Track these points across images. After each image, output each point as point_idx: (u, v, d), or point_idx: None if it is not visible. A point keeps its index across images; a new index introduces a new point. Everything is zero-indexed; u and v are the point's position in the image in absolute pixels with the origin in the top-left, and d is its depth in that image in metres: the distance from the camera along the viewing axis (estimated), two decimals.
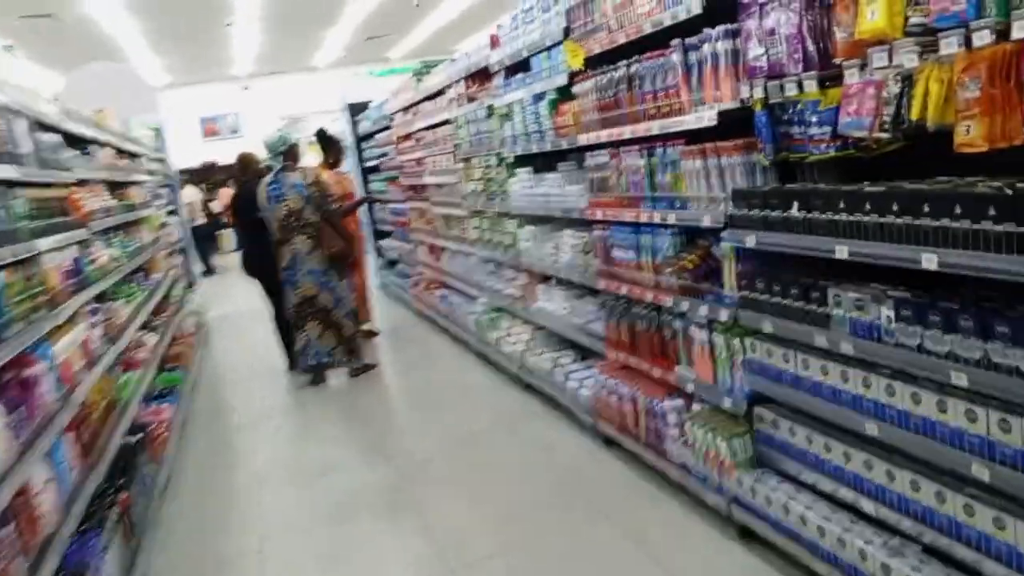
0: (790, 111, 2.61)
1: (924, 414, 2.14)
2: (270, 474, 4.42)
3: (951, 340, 2.01)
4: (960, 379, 1.99)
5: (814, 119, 2.50)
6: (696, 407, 3.31)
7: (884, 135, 2.14)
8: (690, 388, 3.29)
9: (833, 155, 2.48)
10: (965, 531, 2.09)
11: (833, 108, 2.39)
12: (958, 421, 2.04)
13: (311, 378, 6.01)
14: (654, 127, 3.22)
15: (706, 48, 2.90)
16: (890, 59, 2.08)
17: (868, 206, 2.17)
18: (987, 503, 2.02)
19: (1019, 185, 1.79)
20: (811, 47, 2.42)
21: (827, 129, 2.45)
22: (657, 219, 3.34)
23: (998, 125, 1.85)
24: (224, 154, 12.72)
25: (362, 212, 8.90)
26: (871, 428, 2.33)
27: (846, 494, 2.52)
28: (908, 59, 2.02)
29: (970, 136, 1.88)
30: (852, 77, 2.24)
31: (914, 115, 2.03)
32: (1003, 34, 1.77)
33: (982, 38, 1.80)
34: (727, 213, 2.82)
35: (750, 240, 2.70)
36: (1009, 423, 1.90)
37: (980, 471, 1.98)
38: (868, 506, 2.42)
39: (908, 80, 2.04)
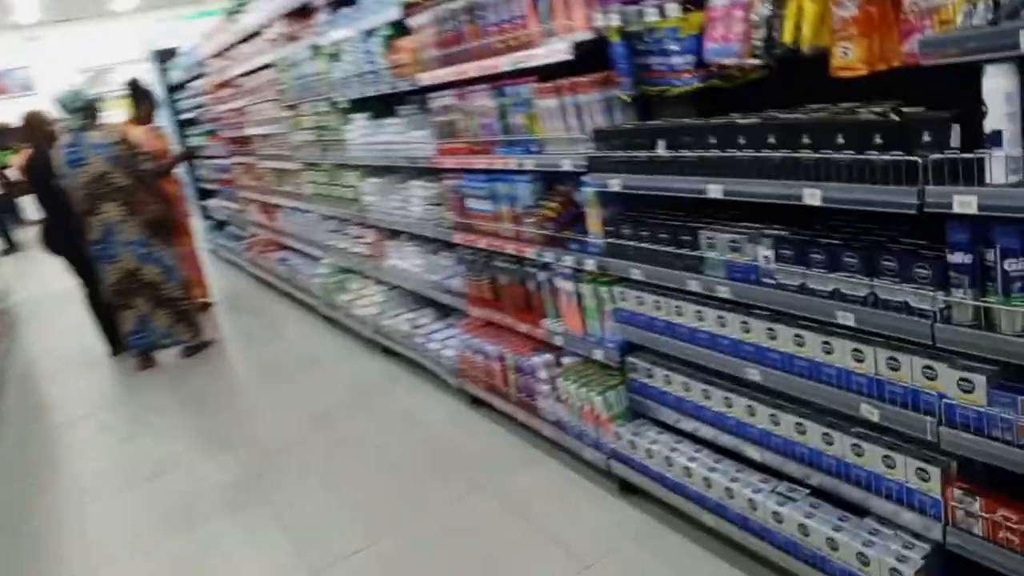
0: (649, 40, 2.40)
1: (809, 356, 2.05)
2: (98, 481, 3.86)
3: (835, 278, 1.91)
4: (846, 318, 1.89)
5: (675, 47, 2.30)
6: (567, 360, 3.16)
7: (755, 61, 1.97)
8: (559, 341, 3.12)
9: (696, 86, 2.30)
10: (854, 471, 2.04)
11: (695, 35, 2.20)
12: (844, 361, 1.95)
13: (139, 362, 5.38)
14: (503, 63, 2.93)
15: None
16: None
17: (742, 140, 2.01)
18: (876, 442, 1.97)
19: (904, 110, 1.67)
20: None
21: (689, 58, 2.26)
22: (513, 165, 3.08)
23: (876, 46, 1.71)
24: (17, 115, 11.19)
25: (182, 171, 8.08)
26: (752, 373, 2.23)
27: (728, 441, 2.44)
28: None
29: (848, 59, 1.74)
30: None
31: (787, 38, 1.88)
32: None
33: None
34: (588, 155, 2.61)
35: (614, 183, 2.51)
36: (898, 360, 1.83)
37: (869, 411, 1.91)
38: (753, 452, 2.34)
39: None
